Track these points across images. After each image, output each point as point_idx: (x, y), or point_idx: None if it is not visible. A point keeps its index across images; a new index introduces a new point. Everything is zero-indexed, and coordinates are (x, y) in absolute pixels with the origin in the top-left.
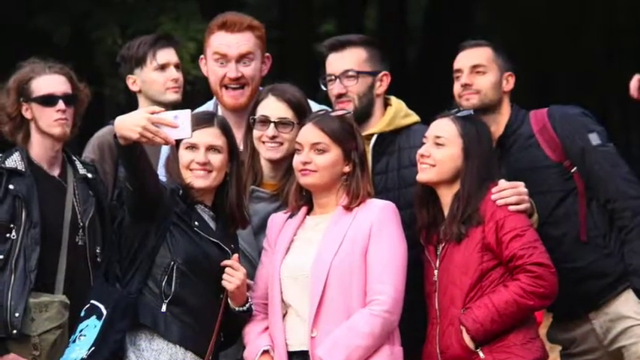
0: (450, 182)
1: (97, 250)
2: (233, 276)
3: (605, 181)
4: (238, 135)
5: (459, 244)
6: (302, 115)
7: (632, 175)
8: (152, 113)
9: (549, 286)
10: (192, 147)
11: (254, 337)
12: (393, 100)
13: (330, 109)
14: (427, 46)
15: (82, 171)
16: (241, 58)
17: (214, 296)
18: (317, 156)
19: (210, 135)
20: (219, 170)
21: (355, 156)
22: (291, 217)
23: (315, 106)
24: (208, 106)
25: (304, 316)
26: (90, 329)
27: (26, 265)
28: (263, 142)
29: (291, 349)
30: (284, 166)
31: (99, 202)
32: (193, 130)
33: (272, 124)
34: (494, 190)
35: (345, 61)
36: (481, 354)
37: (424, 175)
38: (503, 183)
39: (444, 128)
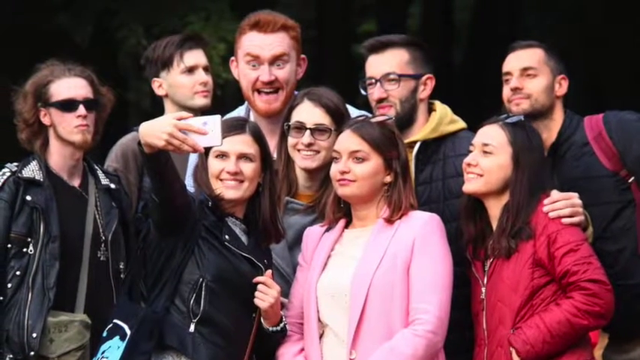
0: (498, 193)
1: (121, 266)
2: (266, 294)
3: None
4: (272, 142)
5: (509, 260)
6: (340, 121)
7: None
8: (179, 119)
9: (605, 305)
10: (223, 155)
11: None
12: (438, 105)
13: (370, 115)
14: (474, 47)
15: (104, 181)
16: (275, 60)
17: (246, 315)
18: (356, 165)
19: (242, 142)
20: (251, 180)
21: (397, 165)
22: (328, 230)
23: (353, 112)
24: (239, 112)
25: (342, 337)
26: (113, 351)
27: (44, 282)
28: (298, 150)
29: None
30: (321, 175)
31: (122, 214)
32: (224, 138)
33: (308, 131)
34: (546, 201)
35: (386, 64)
36: None
37: (471, 185)
38: (555, 194)
39: (493, 135)
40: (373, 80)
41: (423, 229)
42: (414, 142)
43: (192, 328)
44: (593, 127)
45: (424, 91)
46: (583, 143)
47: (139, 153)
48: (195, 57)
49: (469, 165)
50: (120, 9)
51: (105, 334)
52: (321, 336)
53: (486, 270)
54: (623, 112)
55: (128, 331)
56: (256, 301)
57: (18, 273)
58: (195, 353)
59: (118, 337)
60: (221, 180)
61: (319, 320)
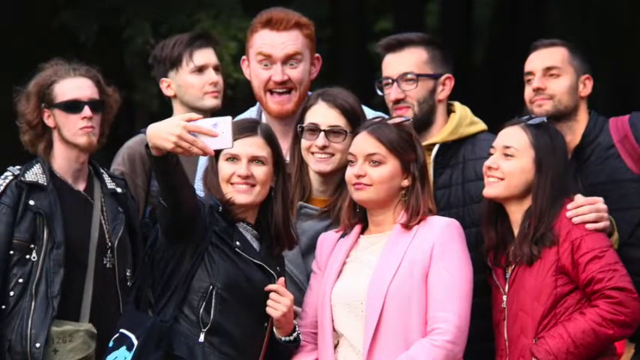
0: (520, 198)
1: (127, 273)
2: (279, 302)
3: None
4: (284, 145)
5: (531, 267)
6: (355, 122)
7: None
8: (189, 120)
9: (631, 314)
10: (234, 158)
11: None
12: (457, 106)
13: (386, 116)
14: (495, 46)
15: (110, 185)
16: (288, 60)
17: (258, 325)
18: (372, 168)
19: (254, 145)
20: (263, 184)
21: (415, 168)
22: (343, 236)
23: (369, 113)
24: (251, 113)
25: (358, 347)
26: None
27: (48, 290)
28: (312, 153)
29: None
30: (335, 179)
31: (129, 219)
32: (234, 140)
33: (322, 133)
34: (569, 206)
35: (404, 63)
36: None
37: (492, 189)
38: (579, 198)
39: (514, 137)
40: (390, 80)
41: (442, 234)
42: (433, 145)
43: (201, 337)
44: (618, 129)
45: (443, 92)
46: (608, 146)
47: (147, 156)
48: (205, 56)
49: (490, 168)
50: (126, 7)
51: (111, 344)
52: (335, 346)
53: (508, 277)
54: None
55: (135, 341)
56: (268, 309)
57: (21, 280)
58: None
59: (124, 348)
60: (232, 184)
61: (334, 329)
